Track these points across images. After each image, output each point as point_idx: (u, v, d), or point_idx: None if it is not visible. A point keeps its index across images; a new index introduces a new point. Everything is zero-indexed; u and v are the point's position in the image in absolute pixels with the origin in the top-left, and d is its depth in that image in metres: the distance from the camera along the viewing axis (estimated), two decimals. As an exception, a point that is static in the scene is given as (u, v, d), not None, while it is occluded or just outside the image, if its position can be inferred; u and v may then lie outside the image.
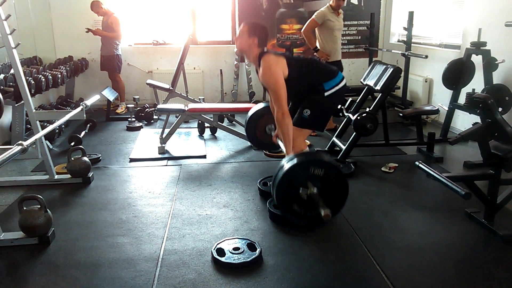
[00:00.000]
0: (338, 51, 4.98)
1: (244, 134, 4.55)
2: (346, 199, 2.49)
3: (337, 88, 2.91)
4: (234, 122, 5.25)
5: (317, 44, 4.91)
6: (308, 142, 4.60)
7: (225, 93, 6.69)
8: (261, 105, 3.64)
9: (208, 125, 4.97)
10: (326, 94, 2.86)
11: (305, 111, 2.85)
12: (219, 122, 4.72)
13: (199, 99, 5.96)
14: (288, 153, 2.72)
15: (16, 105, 4.05)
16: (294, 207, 2.46)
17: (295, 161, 2.46)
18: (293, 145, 2.82)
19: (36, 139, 2.67)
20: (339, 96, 2.99)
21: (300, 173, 2.44)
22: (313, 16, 4.82)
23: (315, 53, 4.92)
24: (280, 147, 3.13)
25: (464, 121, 4.84)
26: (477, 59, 4.35)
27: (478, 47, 4.25)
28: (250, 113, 3.64)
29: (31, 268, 2.35)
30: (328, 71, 2.98)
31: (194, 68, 6.76)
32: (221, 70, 6.56)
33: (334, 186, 2.45)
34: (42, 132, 2.96)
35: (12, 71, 4.09)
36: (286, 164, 2.49)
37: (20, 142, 2.38)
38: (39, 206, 2.57)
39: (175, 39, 6.72)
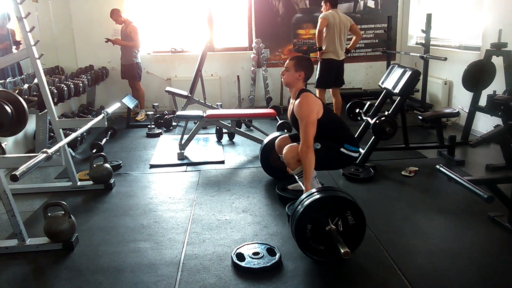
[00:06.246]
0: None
1: (261, 139, 4.59)
2: (363, 235, 2.41)
3: (351, 154, 2.98)
4: (251, 128, 5.28)
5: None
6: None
7: (242, 98, 6.73)
8: (276, 134, 3.71)
9: (226, 131, 5.01)
10: (341, 150, 2.94)
11: (316, 144, 2.84)
12: (236, 128, 4.76)
13: (217, 105, 6.00)
14: (307, 188, 2.71)
15: (39, 113, 4.16)
16: (312, 244, 2.38)
17: (316, 196, 2.38)
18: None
19: (59, 147, 2.73)
20: (347, 161, 3.05)
21: (319, 209, 2.36)
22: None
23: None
24: (290, 176, 3.18)
25: (485, 123, 4.75)
26: (497, 61, 4.28)
27: (498, 48, 4.18)
28: (266, 140, 3.73)
29: (56, 272, 2.41)
30: (352, 136, 3.06)
31: (212, 74, 6.83)
32: (238, 76, 6.61)
33: (353, 222, 2.38)
34: (66, 140, 3.03)
35: (35, 80, 4.22)
36: (306, 200, 2.40)
37: (44, 150, 2.44)
38: (63, 212, 2.64)
39: (193, 47, 6.82)
